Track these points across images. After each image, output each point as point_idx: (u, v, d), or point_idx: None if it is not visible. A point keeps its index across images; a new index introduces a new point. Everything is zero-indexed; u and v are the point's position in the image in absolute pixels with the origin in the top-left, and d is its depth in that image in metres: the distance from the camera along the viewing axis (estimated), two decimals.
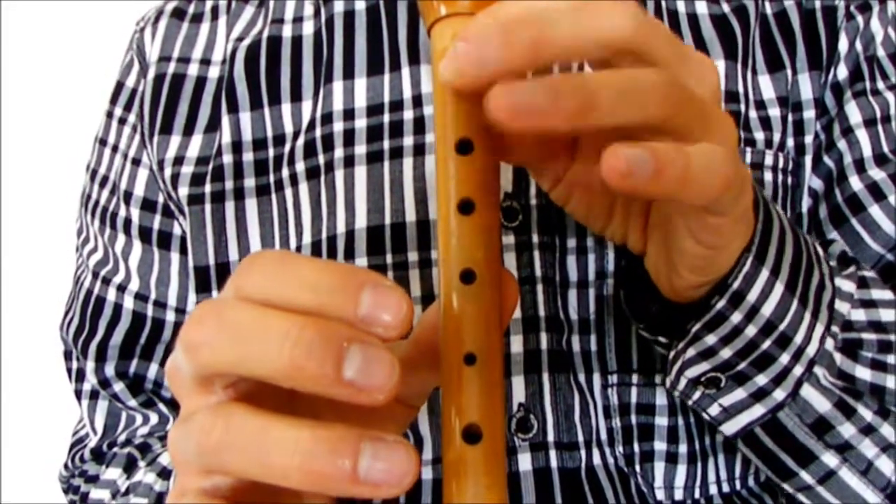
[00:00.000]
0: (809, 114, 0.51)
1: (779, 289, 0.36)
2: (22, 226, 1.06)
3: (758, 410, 0.40)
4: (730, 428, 0.41)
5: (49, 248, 1.00)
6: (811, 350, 0.38)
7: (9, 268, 1.06)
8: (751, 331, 0.37)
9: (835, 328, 0.40)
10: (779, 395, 0.39)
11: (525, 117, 0.25)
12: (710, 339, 0.37)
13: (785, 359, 0.38)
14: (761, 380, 0.38)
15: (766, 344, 0.37)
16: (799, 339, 0.38)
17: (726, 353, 0.37)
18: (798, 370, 0.38)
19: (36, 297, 1.03)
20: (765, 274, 0.36)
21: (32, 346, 1.01)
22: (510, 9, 0.27)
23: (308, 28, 0.54)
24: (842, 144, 0.51)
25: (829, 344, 0.39)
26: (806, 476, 0.41)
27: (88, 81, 0.94)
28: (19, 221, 1.06)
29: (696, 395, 0.40)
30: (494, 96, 0.25)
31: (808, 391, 0.39)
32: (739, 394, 0.39)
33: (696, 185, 0.27)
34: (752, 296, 0.36)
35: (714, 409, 0.40)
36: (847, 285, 0.42)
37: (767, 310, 0.36)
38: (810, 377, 0.39)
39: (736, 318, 0.36)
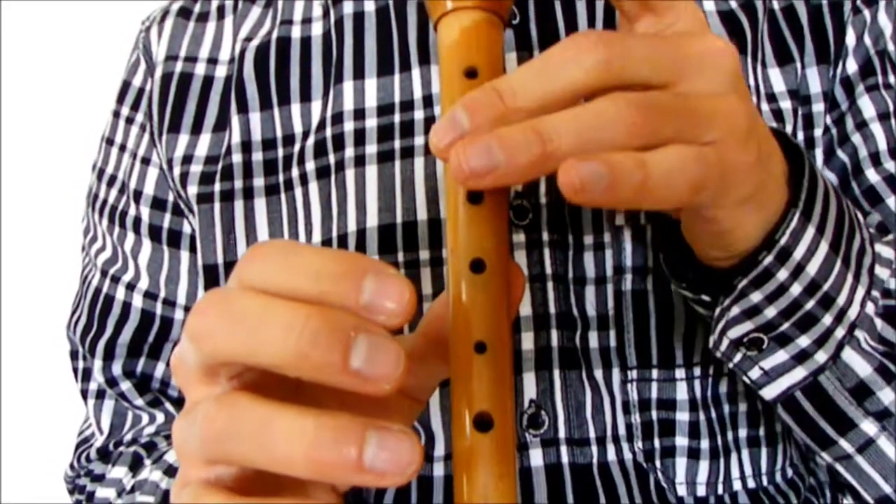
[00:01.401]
0: (818, 107, 0.51)
1: (823, 247, 0.36)
2: (24, 226, 1.06)
3: (799, 373, 0.39)
4: (770, 392, 0.40)
5: (52, 249, 1.00)
6: (853, 312, 0.38)
7: (10, 268, 1.06)
8: (795, 289, 0.36)
9: (875, 293, 0.39)
10: (820, 357, 0.38)
11: (488, 178, 0.27)
12: (756, 297, 0.37)
13: (828, 320, 0.37)
14: (803, 341, 0.38)
15: (810, 304, 0.37)
16: (841, 300, 0.37)
17: (770, 311, 0.37)
18: (840, 332, 0.38)
19: (38, 296, 1.04)
20: (811, 231, 0.36)
21: (33, 345, 1.02)
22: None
23: (317, 29, 0.54)
24: (856, 138, 0.51)
25: (870, 308, 0.39)
26: (845, 444, 0.40)
27: (92, 81, 0.95)
28: (22, 221, 1.07)
29: (738, 357, 0.40)
30: (454, 161, 0.27)
31: (849, 354, 0.38)
32: (781, 356, 0.39)
33: (658, 193, 0.27)
34: (799, 253, 0.36)
35: (755, 373, 0.40)
36: (887, 251, 0.42)
37: (812, 268, 0.36)
38: (851, 340, 0.38)
39: (782, 275, 0.36)
